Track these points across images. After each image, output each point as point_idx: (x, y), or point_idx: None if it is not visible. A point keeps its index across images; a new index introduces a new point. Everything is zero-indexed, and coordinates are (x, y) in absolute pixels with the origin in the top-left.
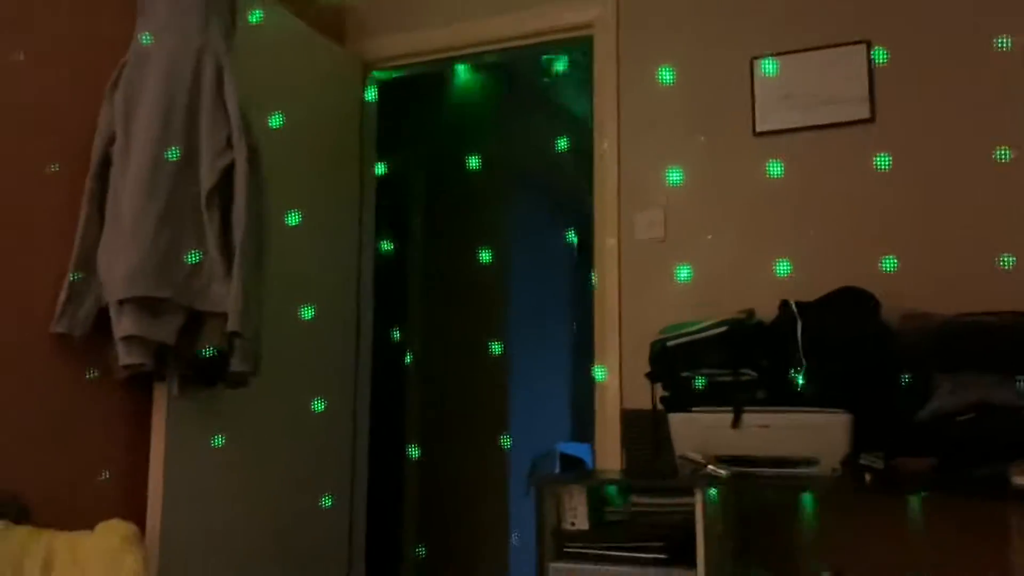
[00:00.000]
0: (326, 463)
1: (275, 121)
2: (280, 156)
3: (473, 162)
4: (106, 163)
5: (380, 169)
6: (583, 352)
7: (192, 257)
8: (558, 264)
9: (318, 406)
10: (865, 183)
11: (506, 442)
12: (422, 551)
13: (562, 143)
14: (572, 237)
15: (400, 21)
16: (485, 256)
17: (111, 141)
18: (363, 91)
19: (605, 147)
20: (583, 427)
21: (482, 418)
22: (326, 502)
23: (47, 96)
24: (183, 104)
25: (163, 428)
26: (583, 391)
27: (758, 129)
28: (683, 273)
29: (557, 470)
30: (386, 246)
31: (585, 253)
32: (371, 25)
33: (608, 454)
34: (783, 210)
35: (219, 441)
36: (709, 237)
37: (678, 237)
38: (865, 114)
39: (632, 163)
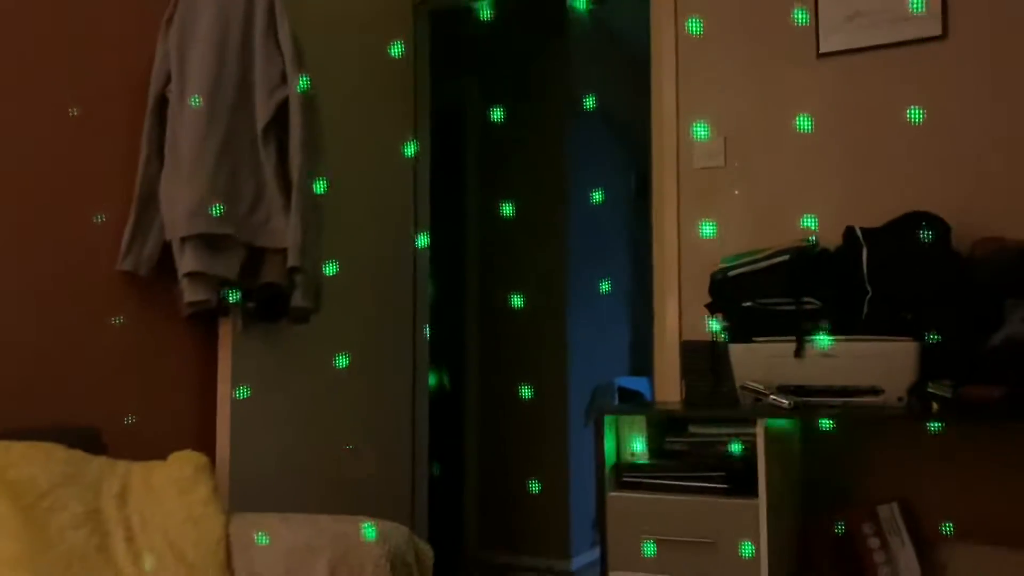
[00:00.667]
0: (387, 396)
1: (328, 57)
2: (333, 92)
3: (528, 93)
4: (163, 101)
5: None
6: (643, 286)
7: (251, 192)
8: (618, 197)
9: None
10: (936, 104)
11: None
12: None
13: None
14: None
15: None
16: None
17: (167, 80)
18: (413, 24)
19: (663, 70)
20: (642, 361)
21: (542, 352)
22: (379, 421)
23: (103, 29)
24: (236, 40)
25: (229, 363)
26: (643, 325)
27: (822, 50)
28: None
29: (616, 402)
30: (442, 180)
31: (644, 184)
32: None
33: (667, 386)
34: (848, 134)
35: (282, 374)
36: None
37: (738, 164)
38: (936, 30)
39: (691, 90)
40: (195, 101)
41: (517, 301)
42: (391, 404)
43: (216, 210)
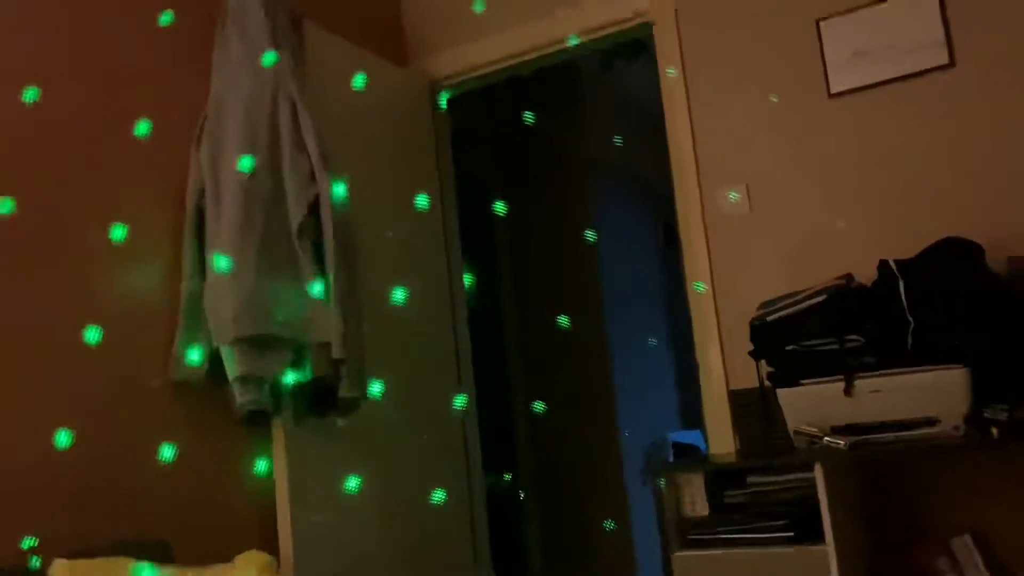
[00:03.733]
0: (442, 471)
1: (350, 149)
2: (361, 179)
3: (548, 157)
4: (201, 212)
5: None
6: (682, 335)
7: (291, 289)
8: (648, 249)
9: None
10: (949, 132)
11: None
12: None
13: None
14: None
15: (458, 35)
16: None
17: (202, 193)
18: (432, 108)
19: (678, 127)
20: (692, 412)
21: (590, 410)
22: (437, 495)
23: (138, 149)
24: (264, 146)
25: (284, 460)
26: (688, 375)
27: (832, 91)
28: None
29: (671, 459)
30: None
31: (672, 235)
32: (431, 42)
33: (720, 437)
34: (868, 170)
35: (340, 472)
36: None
37: (764, 210)
38: (944, 59)
39: (707, 140)
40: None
41: (559, 362)
42: (447, 479)
43: (259, 312)
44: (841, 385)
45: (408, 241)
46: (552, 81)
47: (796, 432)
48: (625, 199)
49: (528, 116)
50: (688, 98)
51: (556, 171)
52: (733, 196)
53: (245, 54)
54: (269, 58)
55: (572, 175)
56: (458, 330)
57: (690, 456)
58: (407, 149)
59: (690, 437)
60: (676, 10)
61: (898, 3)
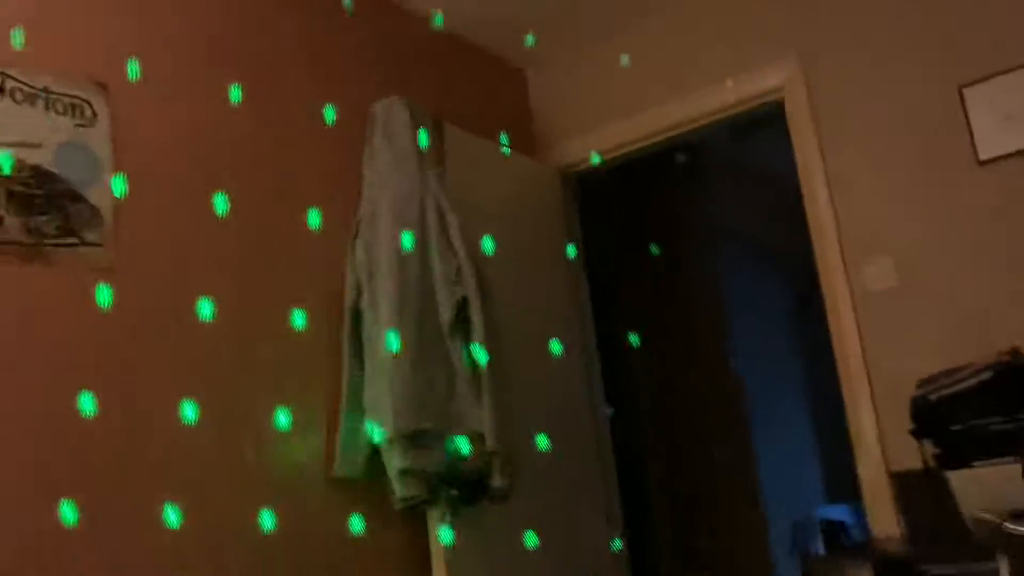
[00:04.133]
0: (588, 555)
1: (488, 242)
2: (499, 267)
3: (677, 226)
4: (357, 315)
5: (571, 251)
6: (823, 407)
7: (444, 384)
8: (779, 317)
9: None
10: None
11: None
12: None
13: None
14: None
15: (587, 123)
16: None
17: (359, 293)
18: (562, 193)
19: (817, 201)
20: (837, 485)
21: (731, 484)
22: None
23: (300, 254)
24: (413, 246)
25: (441, 552)
26: (831, 445)
27: (981, 157)
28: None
29: (819, 538)
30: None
31: (806, 303)
32: (560, 130)
33: (881, 519)
34: (1022, 239)
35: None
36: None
37: (913, 281)
38: None
39: (849, 213)
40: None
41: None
42: (596, 562)
43: (417, 407)
44: (1018, 468)
45: (543, 323)
46: (680, 151)
47: (972, 517)
48: (755, 266)
49: (656, 188)
50: (826, 171)
51: (685, 240)
52: (877, 268)
53: (393, 159)
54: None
55: (701, 244)
56: (596, 410)
57: (843, 537)
58: (540, 235)
59: (838, 512)
60: (808, 86)
61: None
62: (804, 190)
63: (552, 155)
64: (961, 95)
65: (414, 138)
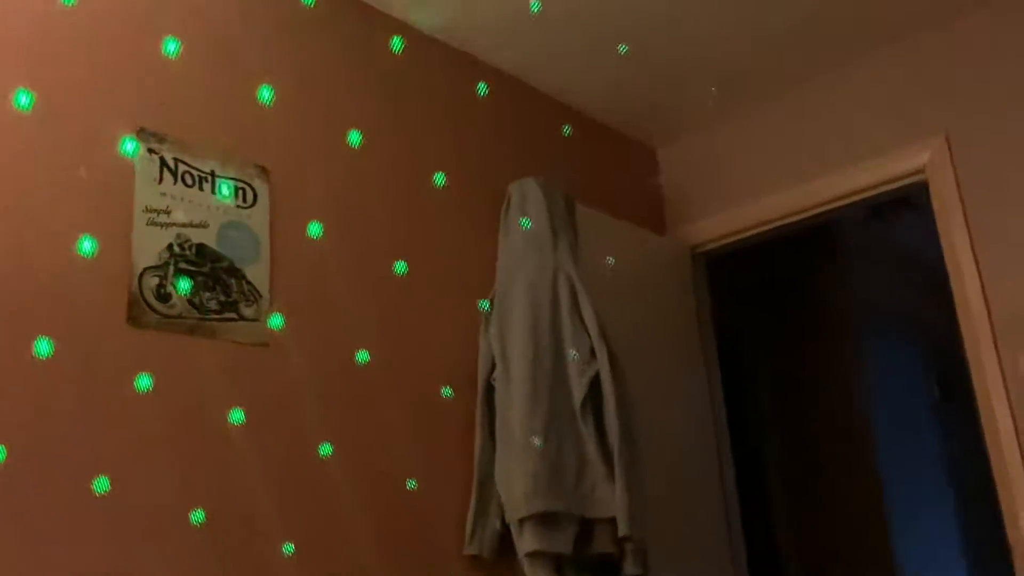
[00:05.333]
0: None
1: (619, 321)
2: (630, 346)
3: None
4: (490, 389)
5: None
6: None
7: (575, 465)
8: (920, 405)
9: None
10: None
11: None
12: None
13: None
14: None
15: (719, 202)
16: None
17: (492, 368)
18: (692, 272)
19: (966, 287)
20: None
21: None
22: None
23: (443, 331)
24: (547, 325)
25: None
26: (980, 554)
27: None
28: None
29: None
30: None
31: (949, 389)
32: (691, 210)
33: None
34: None
35: None
36: None
37: None
38: None
39: (1002, 298)
40: (525, 223)
41: (832, 532)
42: None
43: (549, 488)
44: None
45: (673, 406)
46: (815, 231)
47: None
48: (895, 351)
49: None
50: (975, 256)
51: (820, 323)
52: None
53: (528, 238)
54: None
55: (836, 327)
56: (726, 492)
57: None
58: (670, 314)
59: None
60: (955, 167)
61: None
62: (951, 276)
63: (682, 233)
64: None
65: (548, 217)
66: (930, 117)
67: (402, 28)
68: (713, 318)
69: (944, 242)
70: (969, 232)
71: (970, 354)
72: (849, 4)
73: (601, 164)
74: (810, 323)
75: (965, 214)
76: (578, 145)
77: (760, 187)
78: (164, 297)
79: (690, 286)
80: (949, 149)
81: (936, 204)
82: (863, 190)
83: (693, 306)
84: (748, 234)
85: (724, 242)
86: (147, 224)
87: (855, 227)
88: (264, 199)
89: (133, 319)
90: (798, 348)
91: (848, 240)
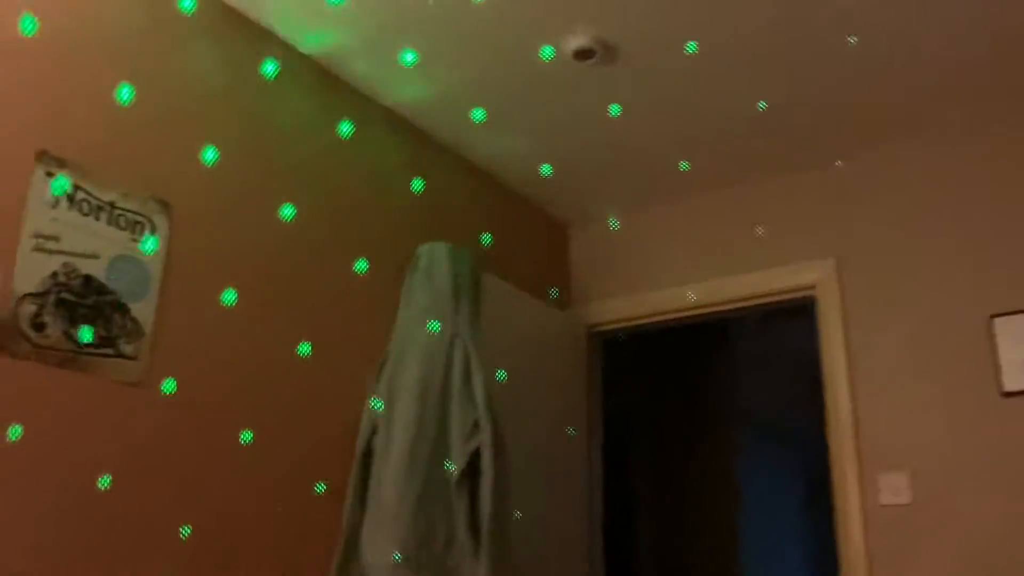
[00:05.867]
0: None
1: (509, 386)
2: (519, 419)
3: (696, 400)
4: (369, 452)
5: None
6: None
7: (443, 537)
8: (790, 503)
9: None
10: None
11: None
12: None
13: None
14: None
15: (622, 286)
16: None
17: (373, 431)
18: (587, 351)
19: (839, 405)
20: None
21: None
22: None
23: (319, 388)
24: (436, 392)
25: None
26: None
27: (1006, 389)
28: None
29: None
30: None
31: (817, 490)
32: (594, 291)
33: None
34: None
35: None
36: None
37: (928, 501)
38: None
39: (869, 422)
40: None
41: None
42: None
43: (414, 558)
44: None
45: (553, 481)
46: (713, 326)
47: None
48: (771, 449)
49: (678, 360)
50: (850, 378)
51: (705, 415)
52: (891, 482)
53: (429, 303)
54: (435, 326)
55: (720, 420)
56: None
57: None
58: (563, 390)
59: None
60: (842, 290)
61: None
62: (826, 390)
63: (583, 312)
64: (991, 324)
65: (452, 283)
66: (826, 239)
67: (334, 83)
68: (604, 398)
69: (824, 357)
70: (848, 354)
71: (834, 466)
72: (766, 129)
73: (514, 236)
74: (696, 413)
75: (846, 333)
76: (493, 215)
77: (663, 279)
78: (39, 327)
79: (584, 364)
80: (838, 271)
81: (821, 320)
82: (756, 297)
83: (585, 384)
84: (646, 321)
85: (622, 325)
86: (33, 249)
87: (750, 327)
88: (163, 234)
89: (3, 346)
90: (681, 436)
91: (742, 338)
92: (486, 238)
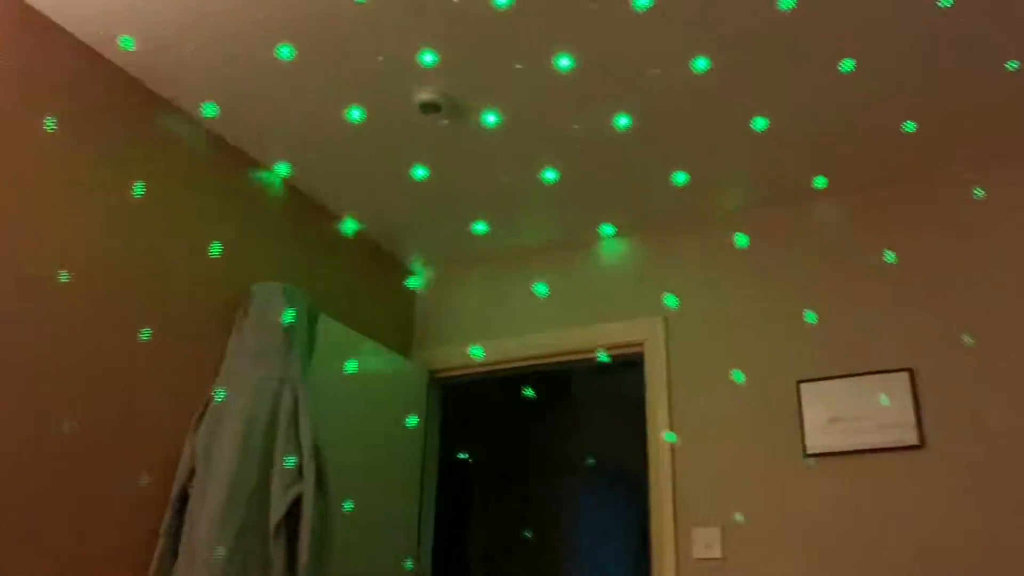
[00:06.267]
0: None
1: (343, 431)
2: (350, 464)
3: (531, 451)
4: (184, 497)
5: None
6: None
7: None
8: (626, 550)
9: None
10: (918, 508)
11: None
12: None
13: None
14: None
15: (464, 334)
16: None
17: (191, 475)
18: (427, 396)
19: (660, 460)
20: None
21: None
22: None
23: (136, 422)
24: (259, 437)
25: None
26: None
27: (809, 451)
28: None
29: None
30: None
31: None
32: (438, 336)
33: None
34: (841, 531)
35: None
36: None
37: (737, 557)
38: (914, 440)
39: (687, 477)
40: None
41: None
42: None
43: None
44: None
45: (382, 528)
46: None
47: None
48: (608, 497)
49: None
50: (672, 430)
51: (543, 461)
52: (704, 537)
53: (260, 344)
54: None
55: (558, 467)
56: None
57: None
58: (400, 435)
59: None
60: (668, 349)
61: (873, 379)
62: (649, 442)
63: (425, 358)
64: (799, 390)
65: (286, 325)
66: (657, 299)
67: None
68: (447, 444)
69: (648, 411)
70: (670, 407)
71: (653, 518)
72: (606, 194)
73: (358, 278)
74: (535, 461)
75: (670, 390)
76: (338, 257)
77: (503, 328)
78: None
79: (423, 411)
80: (666, 330)
81: (648, 376)
82: (590, 350)
83: (422, 430)
84: (486, 370)
85: (463, 372)
86: None
87: (589, 376)
88: None
89: None
90: (520, 483)
91: (582, 387)
92: (332, 279)
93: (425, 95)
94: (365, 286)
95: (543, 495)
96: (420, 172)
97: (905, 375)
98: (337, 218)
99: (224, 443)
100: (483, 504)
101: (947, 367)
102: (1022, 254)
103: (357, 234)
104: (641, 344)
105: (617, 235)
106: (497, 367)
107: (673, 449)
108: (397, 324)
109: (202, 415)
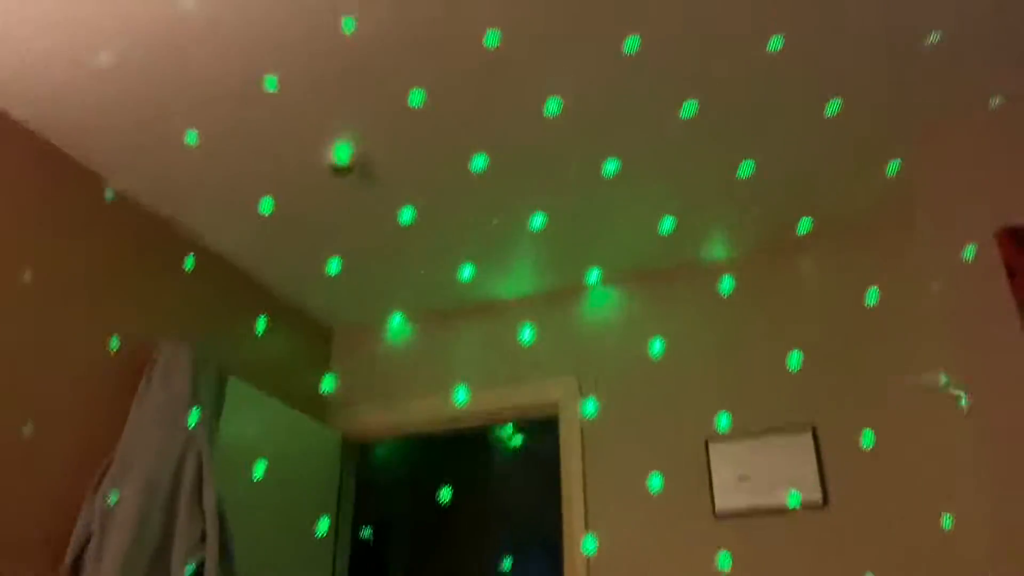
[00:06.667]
0: None
1: (252, 495)
2: (259, 531)
3: (455, 510)
4: (78, 564)
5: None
6: None
7: None
8: None
9: None
10: (823, 567)
11: None
12: None
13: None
14: None
15: (381, 396)
16: None
17: (87, 541)
18: (341, 460)
19: (573, 521)
20: None
21: None
22: None
23: (28, 488)
24: (161, 503)
25: None
26: None
27: (717, 510)
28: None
29: None
30: None
31: None
32: (354, 397)
33: None
34: None
35: None
36: None
37: None
38: (818, 498)
39: (600, 539)
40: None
41: None
42: None
43: None
44: None
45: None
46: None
47: None
48: (529, 555)
49: (442, 466)
50: (585, 498)
51: (462, 519)
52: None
53: (164, 406)
54: (194, 417)
55: (479, 527)
56: None
57: None
58: (312, 500)
59: None
60: (581, 424)
61: (778, 440)
62: (564, 502)
63: (340, 421)
64: (707, 449)
65: (192, 386)
66: (570, 359)
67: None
68: (367, 504)
69: (562, 472)
70: (584, 466)
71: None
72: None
73: (272, 339)
74: (456, 518)
75: (583, 450)
76: (250, 316)
77: (419, 390)
78: None
79: (337, 472)
80: (579, 390)
81: (562, 435)
82: (505, 410)
83: (336, 492)
84: (401, 432)
85: (380, 434)
86: None
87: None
88: None
89: None
90: (440, 542)
91: (502, 444)
92: (253, 338)
93: (335, 158)
94: (283, 347)
95: (465, 551)
96: (327, 230)
97: (808, 434)
98: (254, 281)
99: (123, 507)
100: (406, 562)
101: (847, 424)
102: (921, 308)
103: (275, 293)
104: (555, 404)
105: (532, 296)
106: (412, 429)
107: (587, 507)
108: (315, 385)
109: (101, 479)
